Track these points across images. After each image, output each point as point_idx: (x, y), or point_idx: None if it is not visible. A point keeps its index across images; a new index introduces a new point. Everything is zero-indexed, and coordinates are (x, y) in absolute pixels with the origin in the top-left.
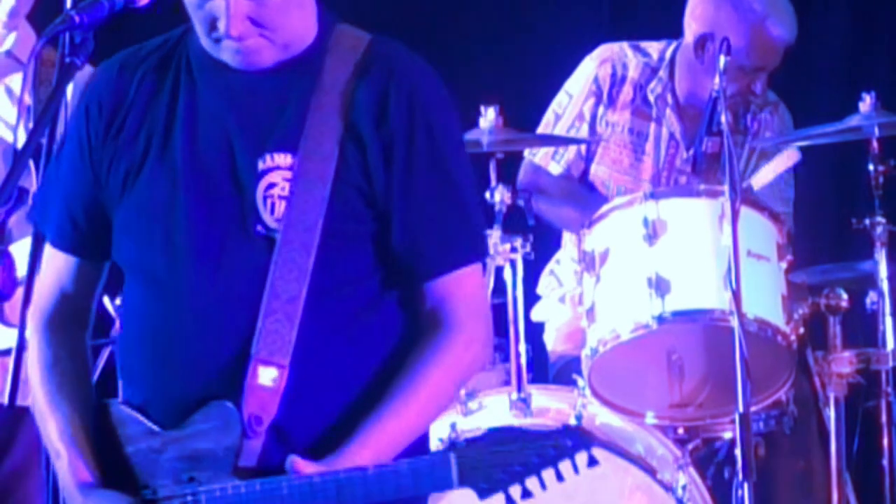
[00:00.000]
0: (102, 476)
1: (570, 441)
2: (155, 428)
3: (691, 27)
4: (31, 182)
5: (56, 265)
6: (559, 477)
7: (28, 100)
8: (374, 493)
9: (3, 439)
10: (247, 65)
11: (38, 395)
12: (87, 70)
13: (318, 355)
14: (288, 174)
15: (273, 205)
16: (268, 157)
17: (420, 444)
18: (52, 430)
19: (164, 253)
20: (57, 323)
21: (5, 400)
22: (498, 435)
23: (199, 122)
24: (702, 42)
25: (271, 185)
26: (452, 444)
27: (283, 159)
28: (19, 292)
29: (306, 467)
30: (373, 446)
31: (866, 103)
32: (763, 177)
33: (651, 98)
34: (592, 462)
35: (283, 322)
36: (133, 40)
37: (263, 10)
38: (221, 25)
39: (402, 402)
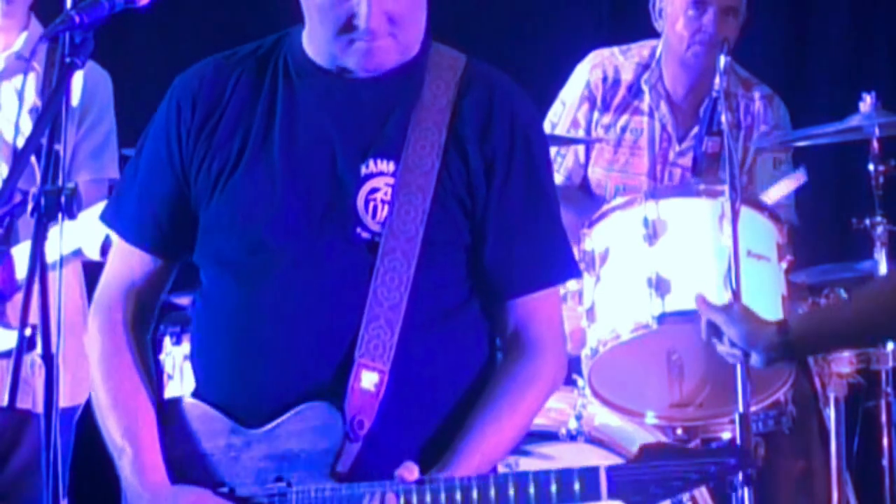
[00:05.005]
0: (172, 474)
1: (732, 460)
2: (237, 426)
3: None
4: (35, 182)
5: (130, 262)
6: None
7: (37, 101)
8: (524, 498)
9: (9, 440)
10: (373, 68)
11: (101, 392)
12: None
13: (414, 362)
14: (390, 180)
15: (375, 208)
16: (371, 162)
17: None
18: (114, 427)
19: (259, 252)
20: (123, 319)
21: (5, 402)
22: (656, 451)
23: (299, 126)
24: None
25: (374, 190)
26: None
27: (386, 166)
28: (19, 294)
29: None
30: (475, 461)
31: (866, 103)
32: (770, 197)
33: (645, 88)
34: (747, 483)
35: (384, 328)
36: (133, 40)
37: (399, 7)
38: (361, 21)
39: (501, 420)
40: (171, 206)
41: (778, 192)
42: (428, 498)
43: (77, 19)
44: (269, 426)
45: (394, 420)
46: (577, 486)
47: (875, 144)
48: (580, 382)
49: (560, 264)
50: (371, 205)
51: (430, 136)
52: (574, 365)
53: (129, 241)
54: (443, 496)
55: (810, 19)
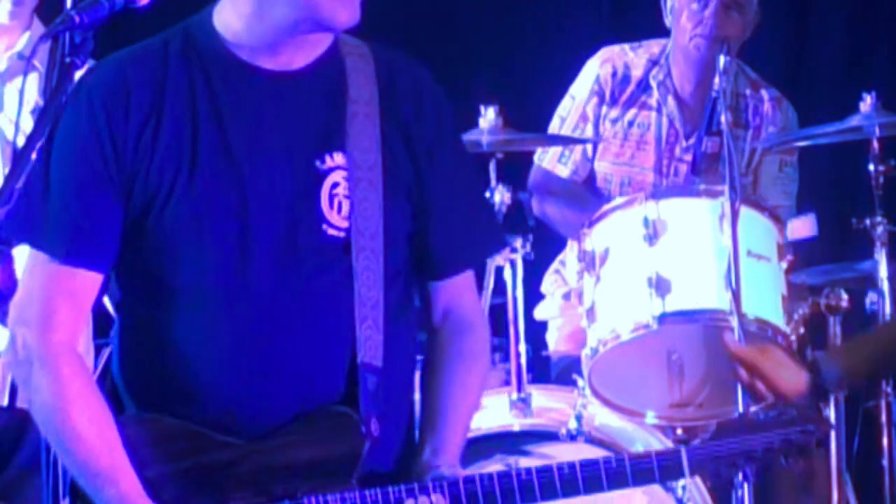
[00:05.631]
0: (150, 496)
1: (811, 426)
2: (226, 439)
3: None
4: None
5: (68, 286)
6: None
7: (39, 100)
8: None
9: (9, 440)
10: (353, 22)
11: (65, 425)
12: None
13: (395, 357)
14: (346, 174)
15: (340, 205)
16: (326, 157)
17: None
18: (89, 460)
19: (235, 261)
20: (70, 343)
21: (5, 402)
22: (732, 426)
23: (250, 128)
24: None
25: (335, 185)
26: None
27: (341, 159)
28: None
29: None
30: (458, 442)
31: (867, 103)
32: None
33: (653, 84)
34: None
35: (373, 328)
36: (133, 40)
37: None
38: None
39: (465, 398)
40: (112, 220)
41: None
42: (482, 490)
43: (77, 19)
44: (268, 437)
45: (389, 416)
46: (658, 469)
47: (875, 144)
48: (580, 382)
49: (488, 240)
50: (335, 200)
51: (366, 129)
52: (574, 365)
53: (65, 262)
54: (497, 487)
55: (810, 19)
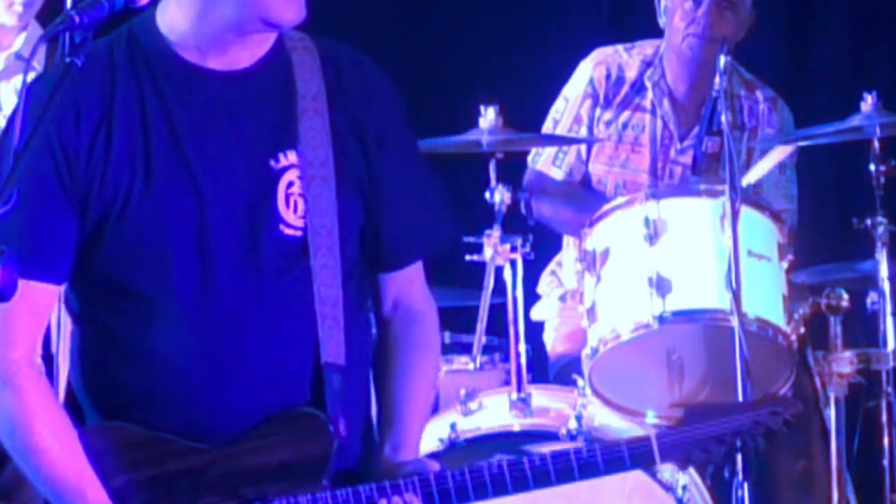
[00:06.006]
0: None
1: (779, 407)
2: (191, 445)
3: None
4: None
5: (27, 299)
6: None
7: None
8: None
9: None
10: (299, 19)
11: (27, 439)
12: None
13: (354, 354)
14: (299, 172)
15: (296, 203)
16: (280, 155)
17: None
18: (54, 474)
19: (195, 267)
20: (33, 362)
21: None
22: (701, 412)
23: (202, 133)
24: None
25: (290, 184)
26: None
27: (295, 157)
28: None
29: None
30: (416, 435)
31: (867, 103)
32: (754, 174)
33: (648, 84)
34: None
35: (334, 326)
36: None
37: None
38: None
39: (420, 389)
40: (67, 232)
41: (764, 166)
42: (453, 485)
43: (77, 19)
44: (236, 441)
45: (352, 414)
46: (629, 457)
47: (876, 144)
48: (580, 382)
49: (438, 231)
50: (291, 199)
51: (316, 124)
52: (574, 365)
53: (24, 277)
54: (469, 482)
55: (810, 19)
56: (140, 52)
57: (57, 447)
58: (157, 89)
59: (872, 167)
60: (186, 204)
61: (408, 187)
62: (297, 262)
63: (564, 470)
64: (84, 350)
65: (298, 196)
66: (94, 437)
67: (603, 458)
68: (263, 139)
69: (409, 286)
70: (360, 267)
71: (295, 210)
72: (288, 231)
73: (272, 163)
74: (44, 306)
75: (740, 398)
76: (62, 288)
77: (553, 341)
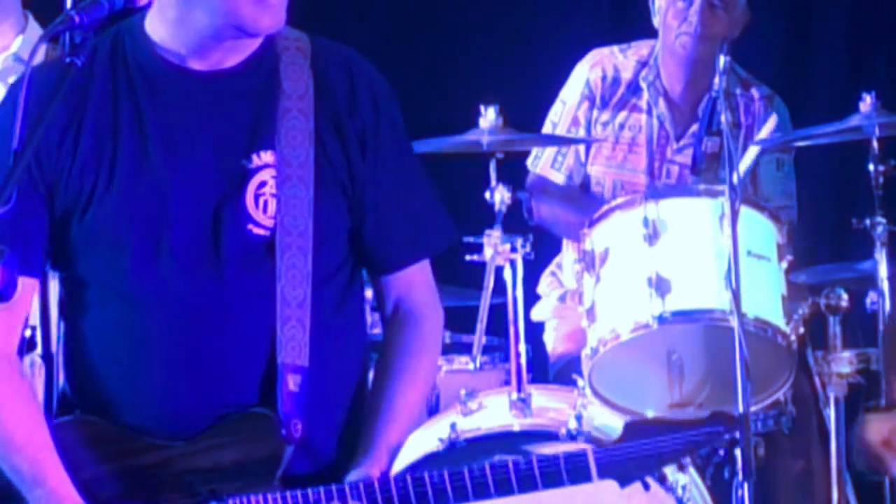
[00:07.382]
0: (84, 498)
1: (720, 427)
2: (153, 442)
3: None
4: None
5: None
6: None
7: None
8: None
9: None
10: (276, 27)
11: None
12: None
13: (323, 355)
14: (275, 172)
15: (266, 203)
16: (254, 156)
17: None
18: (21, 462)
19: (155, 265)
20: (7, 354)
21: None
22: (641, 427)
23: (173, 131)
24: None
25: (262, 185)
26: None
27: (270, 157)
28: None
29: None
30: (396, 438)
31: (866, 103)
32: (744, 163)
33: (643, 85)
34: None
35: (297, 327)
36: None
37: None
38: None
39: (407, 393)
40: (39, 225)
41: (752, 154)
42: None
43: (77, 19)
44: (195, 439)
45: (316, 416)
46: (565, 471)
47: (875, 144)
48: (580, 382)
49: (435, 232)
50: (261, 199)
51: (299, 124)
52: (574, 365)
53: None
54: (412, 491)
55: (810, 19)
56: (121, 55)
57: (20, 434)
58: (132, 91)
59: (871, 167)
60: (147, 203)
61: (397, 189)
62: (262, 262)
63: (503, 481)
64: (65, 347)
65: (270, 196)
66: (67, 430)
67: (540, 471)
68: (240, 138)
69: (409, 288)
70: (349, 268)
71: (265, 210)
72: (256, 230)
73: (245, 162)
74: (20, 299)
75: (740, 398)
76: (37, 281)
77: (553, 341)
